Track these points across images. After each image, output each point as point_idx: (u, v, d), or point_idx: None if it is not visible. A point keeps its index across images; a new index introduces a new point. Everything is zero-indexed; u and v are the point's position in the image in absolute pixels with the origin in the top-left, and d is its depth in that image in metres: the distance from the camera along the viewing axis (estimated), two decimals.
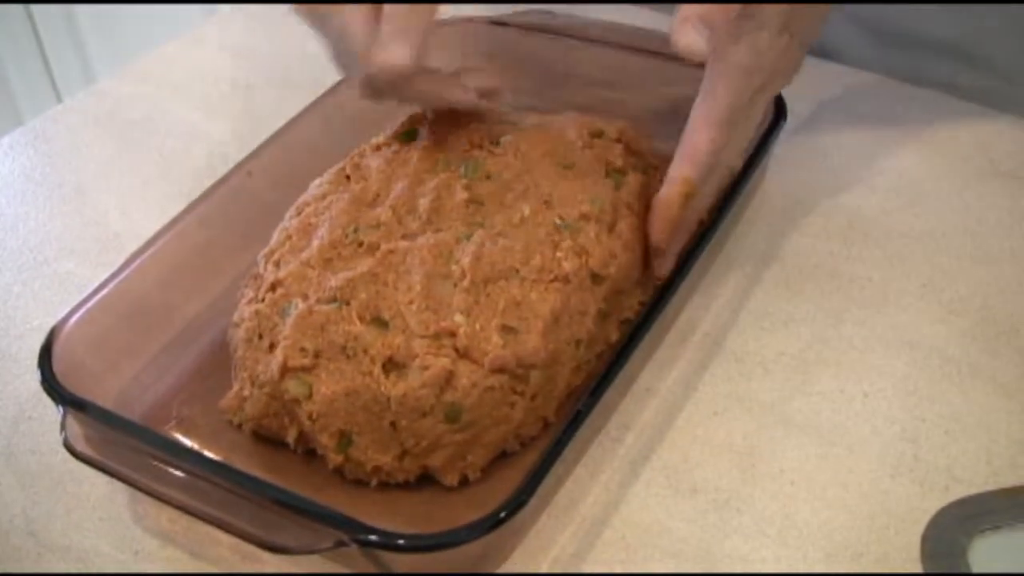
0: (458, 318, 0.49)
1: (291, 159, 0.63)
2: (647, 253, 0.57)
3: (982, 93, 0.73)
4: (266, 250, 0.55)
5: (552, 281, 0.51)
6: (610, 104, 0.67)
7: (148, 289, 0.56)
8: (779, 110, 0.62)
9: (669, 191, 0.55)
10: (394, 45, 0.52)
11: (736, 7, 0.53)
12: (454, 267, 0.51)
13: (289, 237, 0.55)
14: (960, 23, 0.74)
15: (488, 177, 0.56)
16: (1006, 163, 0.69)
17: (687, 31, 0.54)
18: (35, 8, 1.74)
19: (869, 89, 0.75)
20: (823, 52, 0.78)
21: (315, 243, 0.54)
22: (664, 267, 0.57)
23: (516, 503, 0.44)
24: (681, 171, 0.55)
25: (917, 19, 0.75)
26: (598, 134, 0.61)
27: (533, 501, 0.44)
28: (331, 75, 0.69)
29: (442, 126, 0.61)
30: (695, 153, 0.55)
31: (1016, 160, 0.69)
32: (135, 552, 0.50)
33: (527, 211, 0.54)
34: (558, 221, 0.54)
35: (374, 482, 0.50)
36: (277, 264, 0.54)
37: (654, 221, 0.56)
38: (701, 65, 0.63)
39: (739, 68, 0.55)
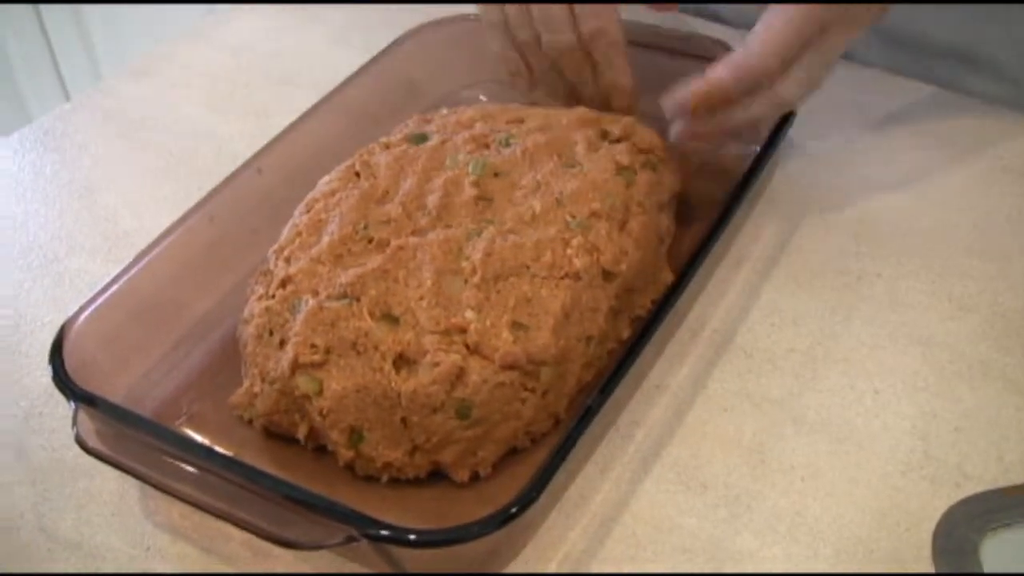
0: (469, 314, 0.49)
1: (301, 156, 0.64)
2: (659, 250, 0.58)
3: (991, 97, 0.73)
4: (276, 246, 0.55)
5: (563, 278, 0.51)
6: None
7: (158, 286, 0.56)
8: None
9: (696, 86, 0.59)
10: None
11: None
12: (464, 263, 0.51)
13: (299, 234, 0.55)
14: (968, 27, 0.74)
15: (496, 175, 0.57)
16: (1015, 159, 0.69)
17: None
18: (43, 7, 1.75)
19: (878, 86, 0.75)
20: None
21: (325, 239, 0.54)
22: (673, 133, 0.61)
23: (526, 499, 0.44)
24: (716, 73, 0.59)
25: (926, 23, 0.75)
26: (603, 134, 0.61)
27: (543, 497, 0.44)
28: (337, 73, 0.69)
29: (451, 127, 0.61)
30: (737, 69, 0.58)
31: None
32: (146, 548, 0.50)
33: (538, 208, 0.54)
34: (569, 219, 0.54)
35: (384, 478, 0.50)
36: (287, 260, 0.54)
37: (673, 97, 0.60)
38: (708, 59, 0.63)
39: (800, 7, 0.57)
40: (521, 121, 0.62)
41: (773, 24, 0.58)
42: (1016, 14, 0.72)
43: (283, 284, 0.52)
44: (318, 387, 0.49)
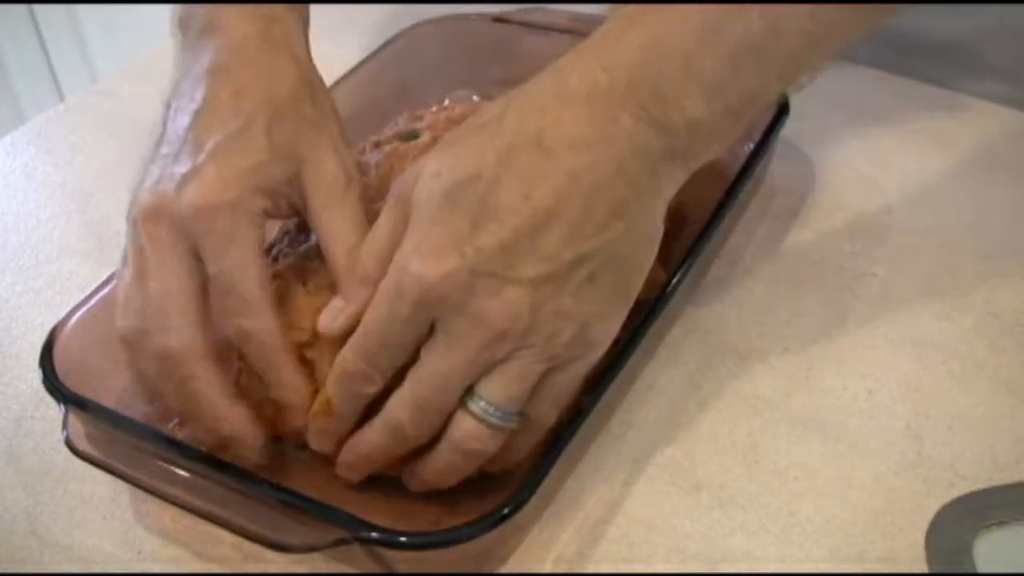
0: None
1: None
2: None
3: (984, 95, 0.73)
4: (265, 245, 0.55)
5: None
6: None
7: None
8: (781, 106, 0.62)
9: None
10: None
11: None
12: None
13: (287, 232, 0.55)
14: (959, 25, 0.73)
15: None
16: (1009, 158, 0.69)
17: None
18: (37, 7, 1.75)
19: (872, 84, 0.75)
20: None
21: (314, 237, 0.53)
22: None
23: (518, 501, 0.44)
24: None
25: (916, 21, 0.74)
26: None
27: (535, 499, 0.44)
28: (333, 73, 0.69)
29: (442, 124, 0.61)
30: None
31: (1020, 155, 0.69)
32: (138, 551, 0.50)
33: None
34: None
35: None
36: (276, 259, 0.53)
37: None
38: None
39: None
40: None
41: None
42: (1008, 11, 0.72)
43: (272, 278, 0.52)
44: (309, 367, 0.48)
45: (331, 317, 0.47)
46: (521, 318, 0.42)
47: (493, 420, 0.44)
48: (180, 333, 0.46)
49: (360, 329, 0.45)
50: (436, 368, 0.44)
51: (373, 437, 0.46)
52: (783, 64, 0.45)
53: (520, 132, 0.43)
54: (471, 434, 0.45)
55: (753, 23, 0.43)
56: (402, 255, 0.44)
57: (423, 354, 0.44)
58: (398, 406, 0.45)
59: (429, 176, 0.44)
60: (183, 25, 0.54)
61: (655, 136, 0.43)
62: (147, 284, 0.47)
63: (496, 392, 0.44)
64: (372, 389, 0.46)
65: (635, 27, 0.44)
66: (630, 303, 0.46)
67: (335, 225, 0.49)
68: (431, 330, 0.44)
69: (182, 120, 0.50)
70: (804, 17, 0.44)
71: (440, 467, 0.46)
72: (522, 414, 0.45)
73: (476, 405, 0.44)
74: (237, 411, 0.48)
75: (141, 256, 0.48)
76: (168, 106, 0.52)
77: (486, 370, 0.44)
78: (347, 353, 0.46)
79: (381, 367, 0.45)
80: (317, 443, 0.48)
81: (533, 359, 0.44)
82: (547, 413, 0.46)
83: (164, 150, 0.50)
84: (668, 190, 0.45)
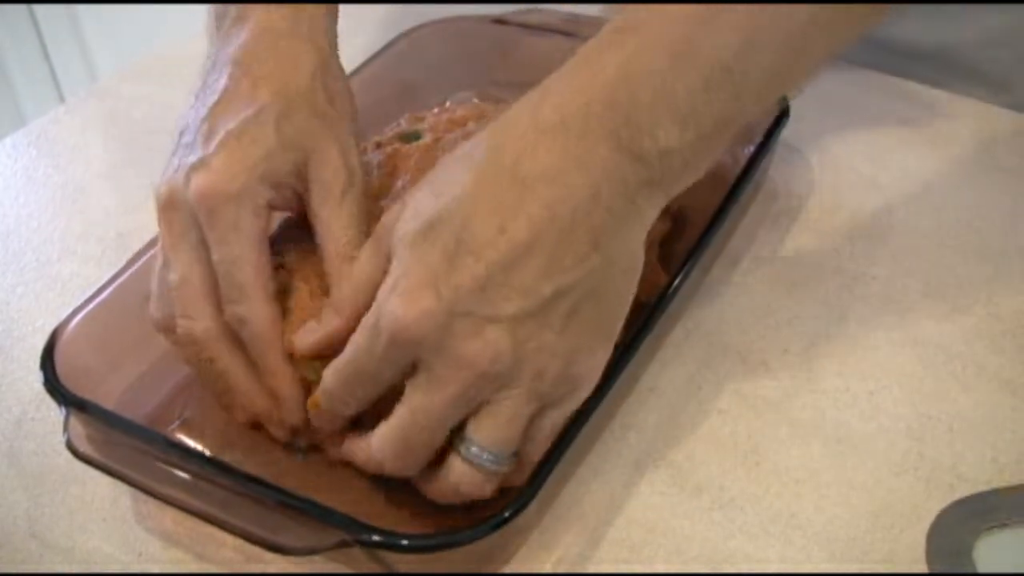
0: None
1: None
2: (652, 251, 0.57)
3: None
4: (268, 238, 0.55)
5: None
6: None
7: (151, 290, 0.56)
8: (782, 109, 0.62)
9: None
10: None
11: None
12: None
13: (290, 227, 0.55)
14: (944, 31, 0.73)
15: None
16: (1008, 158, 0.69)
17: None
18: (38, 8, 1.75)
19: (871, 86, 0.75)
20: None
21: None
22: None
23: (519, 503, 0.44)
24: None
25: (901, 26, 0.74)
26: None
27: (536, 501, 0.44)
28: None
29: (443, 125, 0.61)
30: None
31: (1019, 155, 0.69)
32: (138, 553, 0.50)
33: None
34: None
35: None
36: (279, 253, 0.54)
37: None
38: None
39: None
40: None
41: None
42: (992, 17, 0.72)
43: (276, 269, 0.52)
44: (315, 374, 0.49)
45: (306, 333, 0.48)
46: (502, 357, 0.42)
47: (487, 465, 0.44)
48: (200, 319, 0.48)
49: (342, 355, 0.46)
50: (418, 406, 0.43)
51: (361, 456, 0.47)
52: (758, 85, 0.44)
53: (496, 163, 0.43)
54: (465, 479, 0.45)
55: (729, 40, 0.43)
56: (383, 293, 0.44)
57: (408, 390, 0.44)
58: (383, 439, 0.45)
59: (409, 215, 0.44)
60: (217, 21, 0.56)
61: (629, 165, 0.42)
62: (168, 273, 0.49)
63: (487, 436, 0.44)
64: (348, 412, 0.47)
65: (613, 48, 0.44)
66: (615, 336, 0.46)
67: (331, 222, 0.50)
68: (416, 367, 0.44)
69: (201, 109, 0.51)
70: (779, 29, 0.44)
71: (438, 496, 0.47)
72: (515, 455, 0.45)
73: (468, 451, 0.44)
74: (263, 388, 0.49)
75: (163, 245, 0.50)
76: (196, 96, 0.53)
77: (472, 410, 0.44)
78: (328, 374, 0.46)
79: (356, 396, 0.46)
80: (316, 424, 0.49)
81: (521, 400, 0.43)
82: (540, 453, 0.46)
83: (184, 139, 0.51)
84: (649, 217, 0.45)
